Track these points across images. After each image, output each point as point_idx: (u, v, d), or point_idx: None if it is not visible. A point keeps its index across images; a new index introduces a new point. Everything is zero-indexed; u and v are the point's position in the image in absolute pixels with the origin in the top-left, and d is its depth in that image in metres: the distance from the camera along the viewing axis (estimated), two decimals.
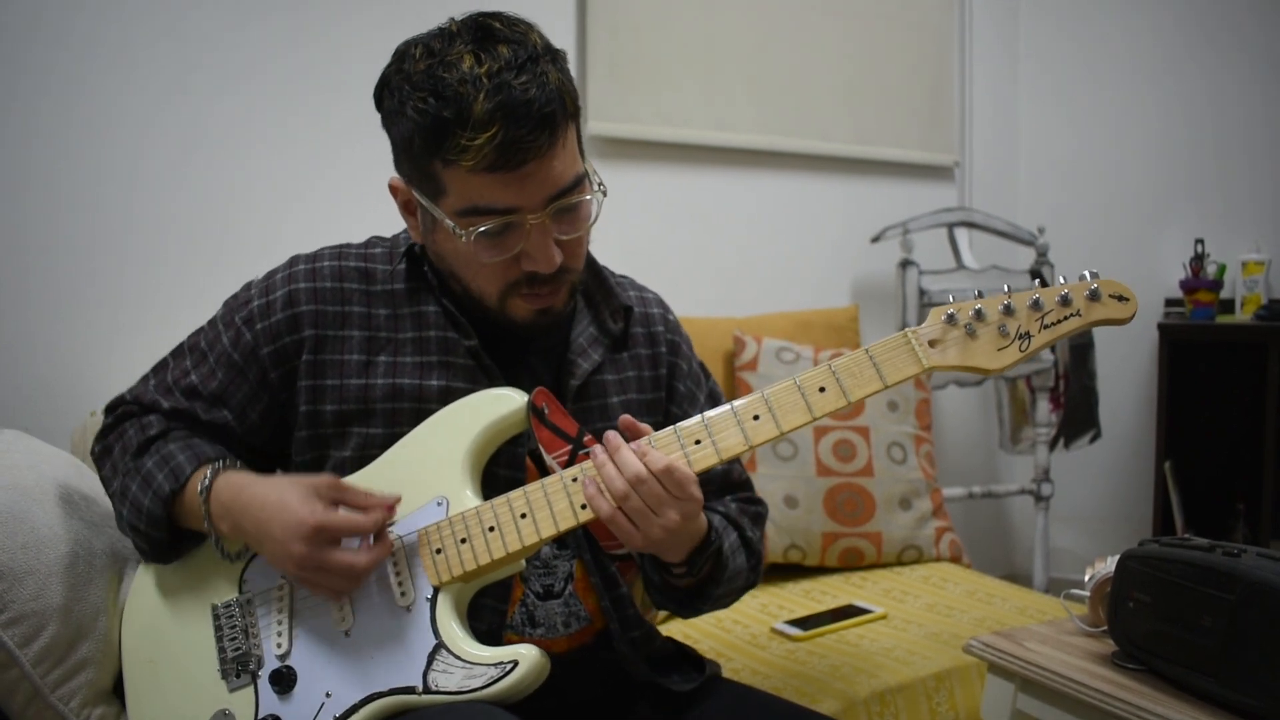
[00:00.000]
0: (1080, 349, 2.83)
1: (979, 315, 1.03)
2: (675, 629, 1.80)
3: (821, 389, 1.03)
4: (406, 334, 1.15)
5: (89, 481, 1.34)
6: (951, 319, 1.03)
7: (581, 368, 1.19)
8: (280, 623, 1.10)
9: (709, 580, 1.16)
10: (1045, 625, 1.35)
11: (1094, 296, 1.02)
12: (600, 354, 1.21)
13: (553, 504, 1.05)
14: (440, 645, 1.03)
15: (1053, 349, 2.76)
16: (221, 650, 1.11)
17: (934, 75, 3.02)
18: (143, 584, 1.19)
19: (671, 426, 1.05)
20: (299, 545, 1.02)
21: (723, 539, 1.16)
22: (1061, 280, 1.05)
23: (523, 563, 1.08)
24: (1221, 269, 2.83)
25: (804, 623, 1.85)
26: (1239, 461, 2.81)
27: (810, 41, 2.76)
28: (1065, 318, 1.02)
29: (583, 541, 1.17)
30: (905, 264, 2.71)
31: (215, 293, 1.28)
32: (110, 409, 1.23)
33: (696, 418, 1.05)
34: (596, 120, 2.40)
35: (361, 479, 1.12)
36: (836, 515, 2.20)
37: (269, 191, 2.05)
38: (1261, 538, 2.66)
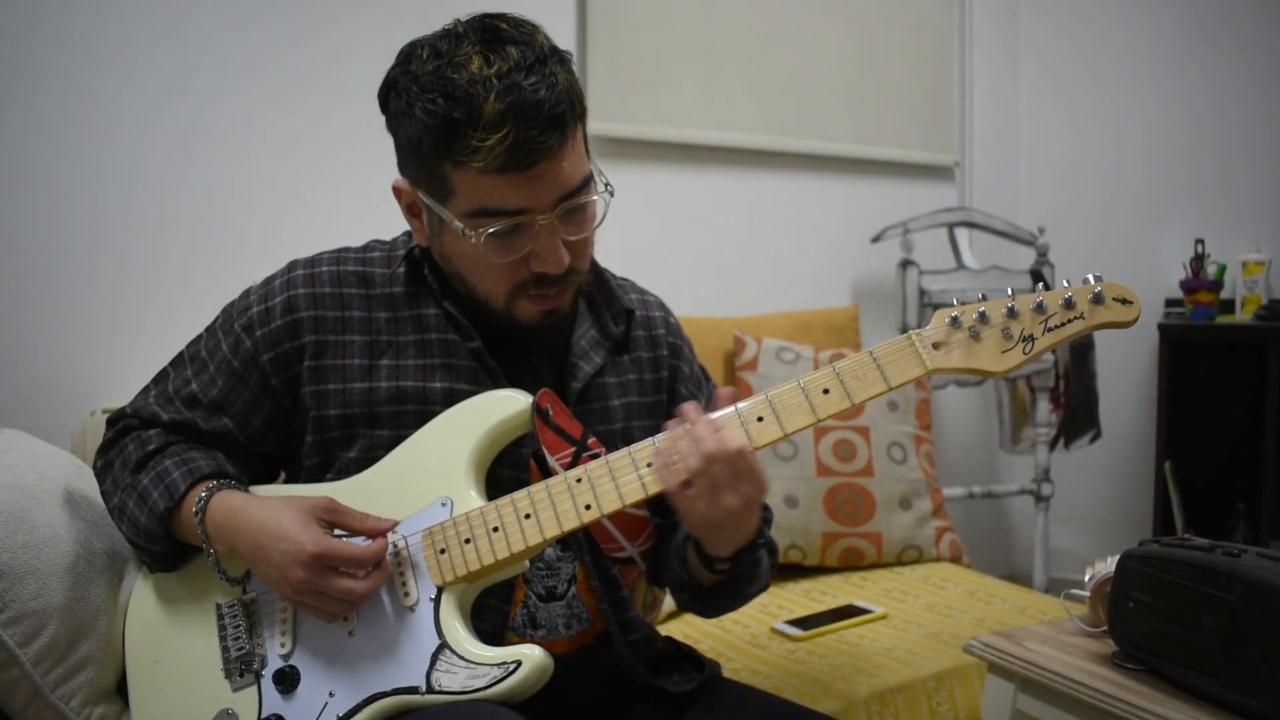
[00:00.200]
0: (1080, 349, 2.83)
1: (982, 318, 1.03)
2: (675, 629, 1.80)
3: (825, 391, 1.03)
4: (408, 337, 1.15)
5: (89, 481, 1.34)
6: (955, 322, 1.03)
7: (583, 370, 1.19)
8: (284, 622, 1.10)
9: (742, 578, 1.18)
10: (1045, 625, 1.35)
11: (1098, 300, 1.02)
12: (601, 357, 1.21)
13: (557, 505, 1.05)
14: (444, 645, 1.03)
15: (1053, 350, 2.76)
16: (225, 650, 1.11)
17: (934, 75, 3.02)
18: (146, 584, 1.19)
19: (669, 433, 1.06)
20: (298, 571, 1.02)
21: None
22: (1065, 283, 1.05)
23: (526, 563, 1.08)
24: (1222, 269, 2.83)
25: (804, 623, 1.85)
26: (1239, 461, 2.82)
27: (810, 41, 2.76)
28: (1069, 321, 1.03)
29: (584, 544, 1.17)
30: (905, 264, 2.71)
31: (215, 293, 1.28)
32: (112, 422, 1.22)
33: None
34: (597, 120, 2.40)
35: (367, 479, 1.12)
36: (837, 515, 2.20)
37: (269, 192, 2.05)
38: (1261, 538, 2.66)
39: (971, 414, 3.23)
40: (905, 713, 1.60)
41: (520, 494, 1.06)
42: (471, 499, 1.08)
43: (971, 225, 2.86)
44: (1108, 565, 1.26)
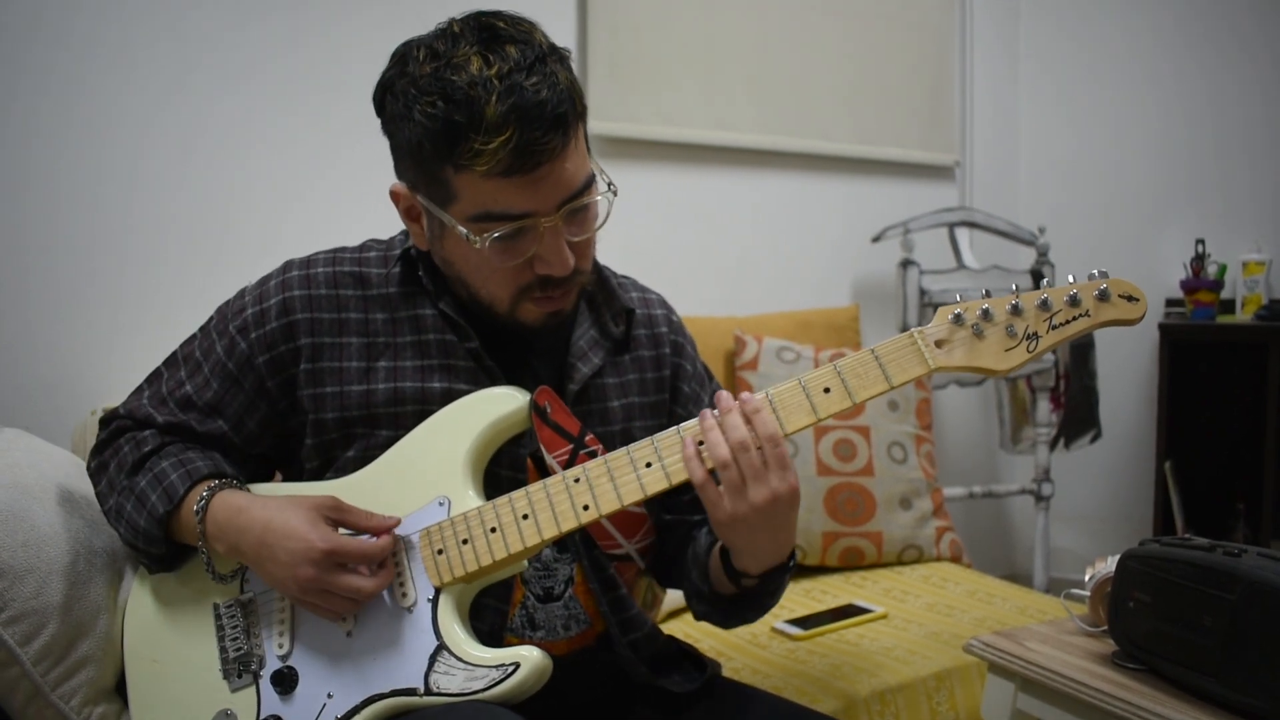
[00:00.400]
0: (1081, 349, 2.83)
1: (986, 315, 1.01)
2: (675, 628, 1.80)
3: (826, 390, 1.02)
4: (405, 338, 1.14)
5: (89, 480, 1.34)
6: (958, 319, 1.02)
7: (580, 372, 1.17)
8: (282, 623, 1.10)
9: (766, 592, 1.16)
10: (1046, 625, 1.35)
11: (1103, 296, 1.00)
12: (601, 357, 1.20)
13: (555, 505, 1.05)
14: (442, 646, 1.03)
15: (1055, 349, 2.76)
16: (223, 650, 1.11)
17: (934, 75, 3.02)
18: (143, 584, 1.19)
19: (675, 426, 1.05)
20: (307, 569, 1.01)
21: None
22: (1070, 278, 1.03)
23: (525, 563, 1.08)
24: (1222, 269, 2.83)
25: (804, 622, 1.85)
26: (1239, 461, 2.81)
27: (811, 41, 2.76)
28: (1074, 318, 1.01)
29: (581, 545, 1.16)
30: (906, 264, 2.71)
31: (215, 293, 1.28)
32: (105, 422, 1.21)
33: (693, 422, 1.04)
34: (597, 120, 2.40)
35: (364, 478, 1.12)
36: (837, 515, 2.20)
37: (269, 192, 2.05)
38: (1262, 538, 2.66)
39: (972, 414, 3.22)
40: (906, 712, 1.60)
41: (518, 494, 1.06)
42: (469, 498, 1.07)
43: (972, 225, 2.86)
44: (1108, 565, 1.26)
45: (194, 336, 1.20)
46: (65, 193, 1.84)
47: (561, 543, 1.15)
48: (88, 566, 1.21)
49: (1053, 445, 2.86)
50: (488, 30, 1.02)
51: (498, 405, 1.10)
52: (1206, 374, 2.86)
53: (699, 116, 2.58)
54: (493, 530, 1.05)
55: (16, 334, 1.80)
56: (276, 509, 1.05)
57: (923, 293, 2.71)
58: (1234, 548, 1.08)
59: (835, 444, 2.25)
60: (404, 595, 1.06)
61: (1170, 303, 2.97)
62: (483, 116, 0.97)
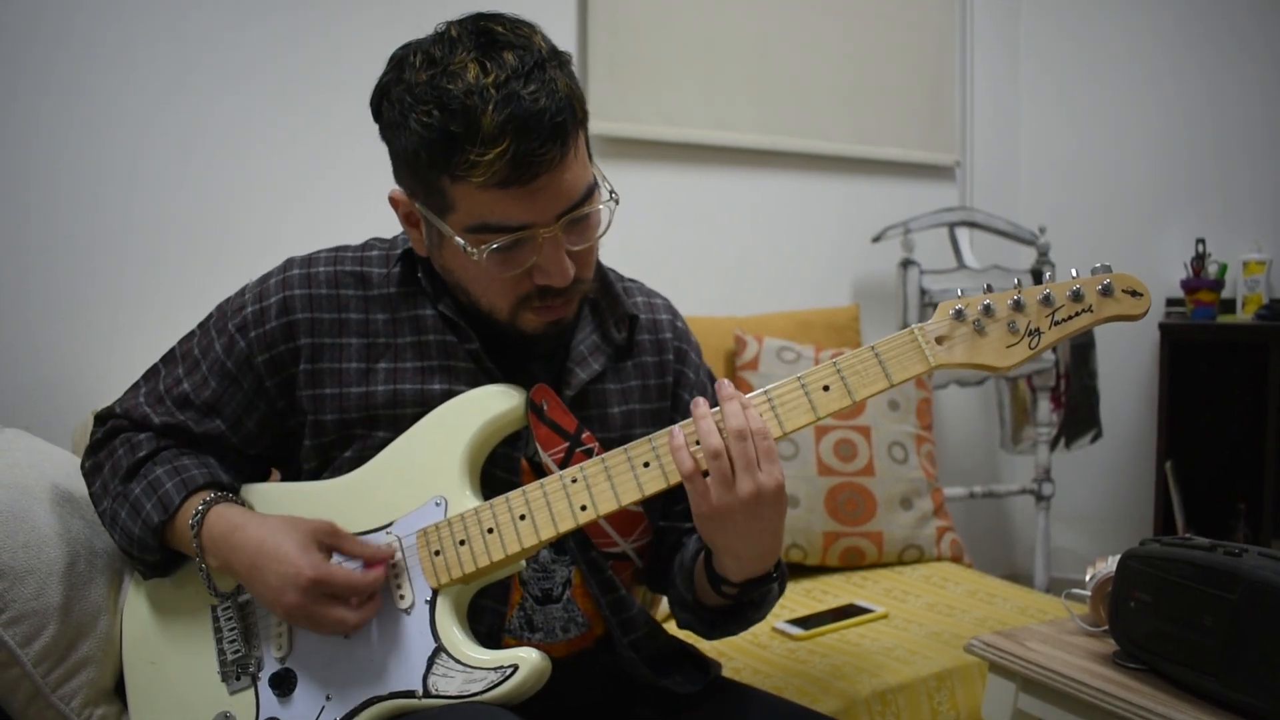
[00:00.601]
0: (1081, 348, 2.83)
1: (988, 311, 1.00)
2: (675, 628, 1.80)
3: (826, 388, 1.01)
4: (405, 339, 1.14)
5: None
6: (959, 315, 1.01)
7: (578, 377, 1.16)
8: (280, 625, 1.10)
9: (750, 604, 1.15)
10: (1046, 625, 1.35)
11: (1107, 292, 0.99)
12: (602, 363, 1.18)
13: (552, 505, 1.04)
14: (440, 649, 1.03)
15: (1054, 348, 2.77)
16: (221, 653, 1.11)
17: (934, 75, 3.02)
18: (141, 586, 1.19)
19: (672, 426, 1.05)
20: (293, 595, 1.00)
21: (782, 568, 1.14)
22: (1073, 273, 1.02)
23: (523, 564, 1.07)
24: (1223, 269, 2.83)
25: (805, 622, 1.85)
26: (1240, 461, 2.81)
27: (811, 41, 2.76)
28: (1077, 314, 0.99)
29: (577, 549, 1.15)
30: (906, 264, 2.71)
31: (215, 292, 1.28)
32: (100, 420, 1.20)
33: (689, 421, 1.03)
34: (597, 120, 2.39)
35: (360, 477, 1.11)
36: (837, 515, 2.20)
37: (269, 191, 2.04)
38: (1262, 537, 2.66)
39: (972, 413, 3.22)
40: (906, 712, 1.60)
41: (515, 494, 1.05)
42: (466, 499, 1.07)
43: (972, 225, 2.86)
44: (1109, 565, 1.26)
45: (193, 333, 1.19)
46: (65, 193, 1.84)
47: (558, 545, 1.14)
48: (88, 567, 1.21)
49: (1053, 445, 2.86)
50: (486, 35, 1.00)
51: (494, 402, 1.09)
52: (1207, 374, 2.86)
53: (699, 116, 2.58)
54: (490, 531, 1.05)
55: (16, 334, 1.80)
56: (271, 530, 1.04)
57: (923, 292, 2.71)
58: (1235, 547, 1.08)
59: (836, 444, 2.25)
60: (401, 597, 1.06)
61: (1171, 302, 2.97)
62: (479, 127, 0.95)
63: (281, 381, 1.13)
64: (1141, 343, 2.98)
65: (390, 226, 1.23)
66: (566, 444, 1.12)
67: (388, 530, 1.08)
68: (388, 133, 1.04)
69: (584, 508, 1.03)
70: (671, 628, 1.27)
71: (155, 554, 1.11)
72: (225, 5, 1.98)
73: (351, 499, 1.10)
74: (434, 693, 1.01)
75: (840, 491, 2.22)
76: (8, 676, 1.12)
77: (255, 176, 2.03)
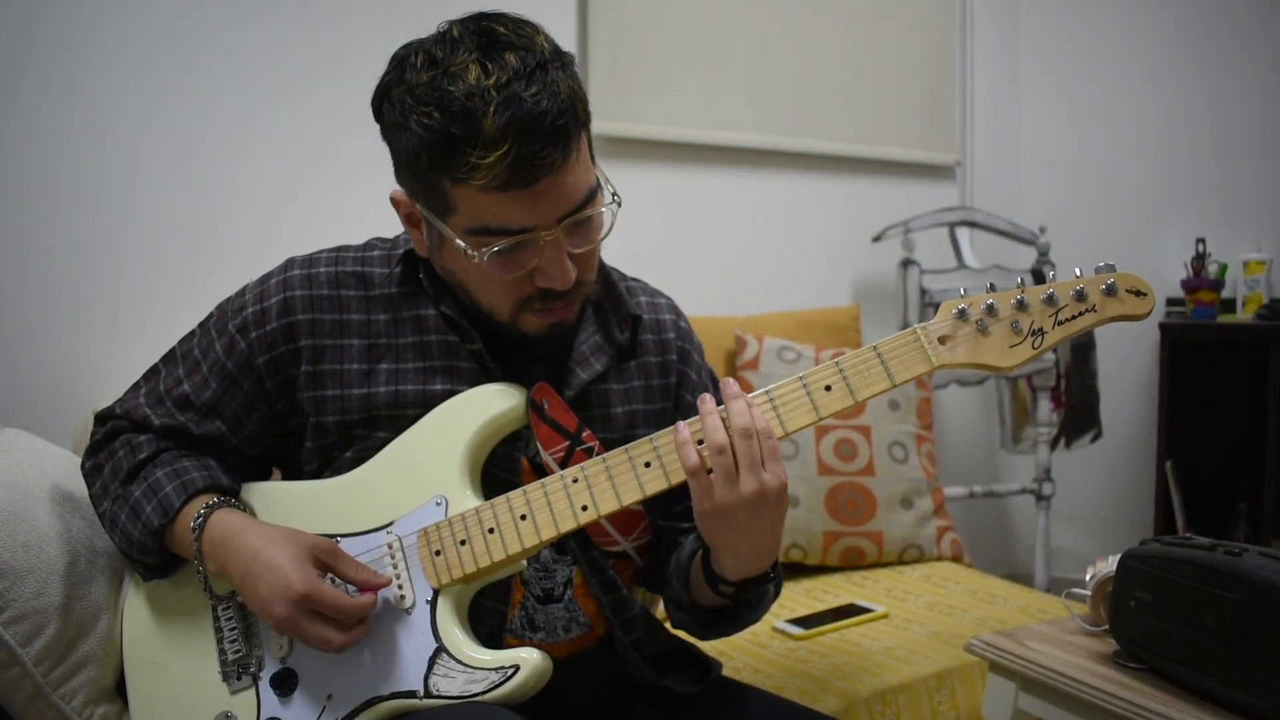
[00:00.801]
0: (1081, 348, 2.83)
1: (991, 310, 1.00)
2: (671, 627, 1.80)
3: (828, 387, 1.01)
4: (407, 339, 1.13)
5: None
6: (963, 314, 1.00)
7: (579, 377, 1.15)
8: None
9: (746, 605, 1.15)
10: (1047, 624, 1.35)
11: (1111, 291, 0.98)
12: (604, 363, 1.18)
13: (553, 505, 1.04)
14: (441, 649, 1.03)
15: (1055, 348, 2.77)
16: (222, 652, 1.11)
17: (935, 75, 3.02)
18: (141, 586, 1.19)
19: (678, 422, 1.04)
20: (282, 607, 1.00)
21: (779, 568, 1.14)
22: (1076, 272, 1.01)
23: (524, 563, 1.07)
24: (1223, 268, 2.83)
25: (805, 622, 1.85)
26: (1240, 461, 2.81)
27: (811, 41, 2.76)
28: (1080, 313, 0.99)
29: (578, 549, 1.15)
30: (906, 263, 2.71)
31: (215, 292, 1.28)
32: (101, 420, 1.20)
33: (696, 419, 1.03)
34: (597, 120, 2.38)
35: (361, 476, 1.11)
36: (838, 514, 2.20)
37: (269, 191, 2.04)
38: (1263, 537, 2.66)
39: (972, 413, 3.22)
40: (907, 712, 1.60)
41: (516, 494, 1.05)
42: (467, 498, 1.07)
43: (972, 225, 2.86)
44: (1109, 564, 1.26)
45: (193, 333, 1.19)
46: (65, 193, 1.84)
47: (559, 545, 1.14)
48: (88, 567, 1.21)
49: (1053, 445, 2.86)
50: (487, 36, 0.99)
51: (494, 402, 1.09)
52: (1207, 373, 2.86)
53: (699, 116, 2.58)
54: (490, 531, 1.05)
55: (16, 334, 1.80)
56: (269, 540, 1.04)
57: (923, 292, 2.71)
58: (1235, 547, 1.08)
59: (836, 444, 2.25)
60: (402, 597, 1.06)
61: (1171, 302, 2.97)
62: (480, 129, 0.94)
63: (282, 382, 1.13)
64: (1142, 342, 2.98)
65: (391, 226, 1.23)
66: (567, 443, 1.12)
67: (388, 530, 1.08)
68: (389, 133, 1.04)
69: (585, 507, 1.03)
70: (670, 626, 1.27)
71: (154, 557, 1.11)
72: (225, 5, 1.98)
73: (352, 498, 1.10)
74: (435, 693, 1.01)
75: (840, 491, 2.22)
76: (8, 676, 1.12)
77: (255, 176, 2.03)
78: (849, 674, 1.62)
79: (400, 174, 1.06)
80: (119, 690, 1.20)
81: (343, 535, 1.09)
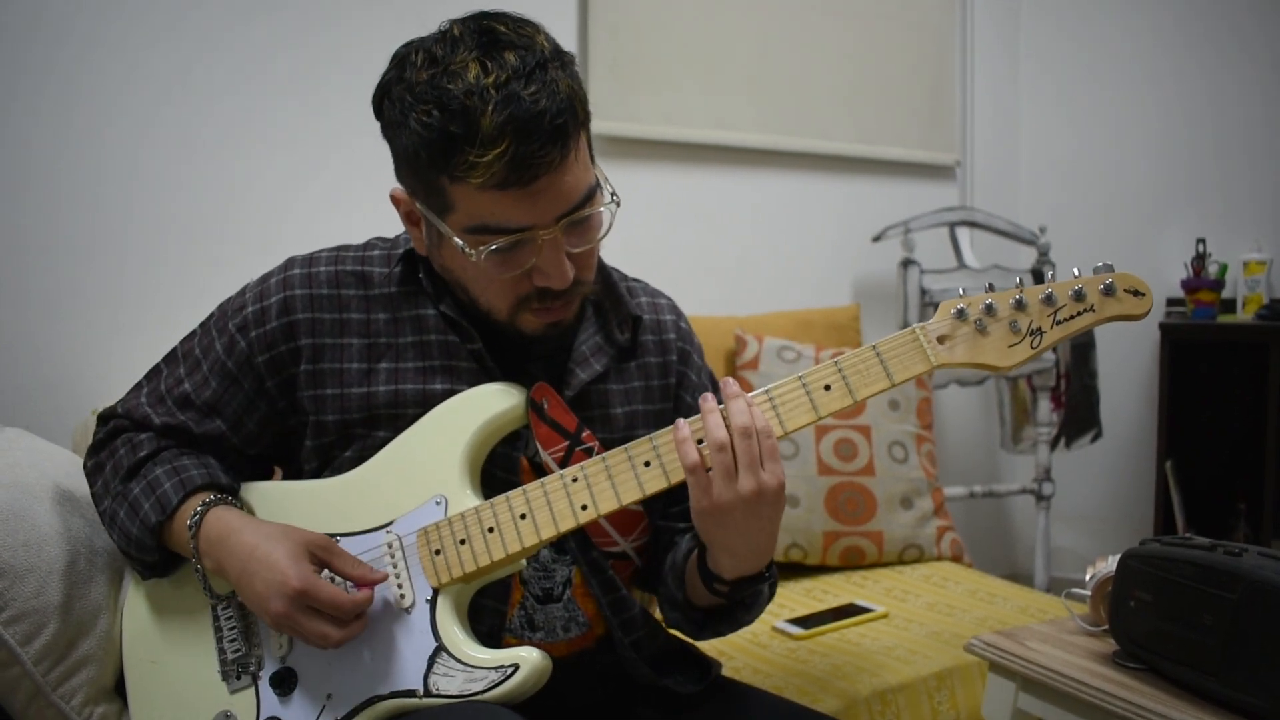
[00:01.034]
0: (1081, 348, 2.83)
1: (990, 310, 1.00)
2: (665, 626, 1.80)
3: (827, 387, 1.01)
4: (407, 338, 1.13)
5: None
6: (961, 314, 1.00)
7: (578, 378, 1.15)
8: None
9: (741, 605, 1.15)
10: (1046, 624, 1.35)
11: (1109, 291, 0.99)
12: (604, 363, 1.18)
13: (553, 505, 1.04)
14: (440, 648, 1.03)
15: (1055, 348, 2.77)
16: (221, 652, 1.11)
17: (935, 75, 3.02)
18: (141, 585, 1.19)
19: (678, 420, 1.04)
20: (278, 603, 1.00)
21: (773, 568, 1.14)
22: (1075, 271, 1.02)
23: (523, 562, 1.07)
24: (1223, 269, 2.83)
25: (805, 621, 1.85)
26: (1240, 461, 2.81)
27: (811, 41, 2.76)
28: (1079, 313, 0.99)
29: (578, 549, 1.15)
30: (906, 263, 2.71)
31: (215, 292, 1.28)
32: (103, 420, 1.20)
33: (696, 417, 1.03)
34: (597, 119, 2.38)
35: (361, 475, 1.11)
36: (838, 514, 2.20)
37: (269, 191, 2.05)
38: (1263, 537, 2.66)
39: (972, 413, 3.22)
40: (906, 712, 1.60)
41: (516, 494, 1.05)
42: (467, 498, 1.07)
43: (972, 225, 2.86)
44: (1109, 564, 1.26)
45: (194, 333, 1.19)
46: (65, 192, 1.84)
47: (559, 544, 1.14)
48: (88, 566, 1.21)
49: (1053, 445, 2.86)
50: (488, 35, 0.99)
51: (494, 401, 1.09)
52: (1207, 374, 2.86)
53: (699, 116, 2.58)
54: (490, 530, 1.05)
55: (16, 334, 1.80)
56: (264, 537, 1.04)
57: (923, 292, 2.71)
58: (1235, 547, 1.08)
59: (836, 443, 2.25)
60: (402, 596, 1.06)
61: (1171, 302, 2.97)
62: (478, 128, 0.94)
63: (282, 382, 1.13)
64: (1142, 343, 2.98)
65: (392, 225, 1.23)
66: (567, 443, 1.12)
67: (388, 529, 1.08)
68: (389, 131, 1.04)
69: (585, 507, 1.03)
70: None
71: (153, 554, 1.11)
72: (225, 5, 1.98)
73: (351, 498, 1.10)
74: (435, 692, 1.01)
75: (840, 491, 2.22)
76: (8, 675, 1.12)
77: (255, 175, 2.03)
78: (849, 674, 1.62)
79: (400, 172, 1.07)
80: (119, 689, 1.20)
81: (343, 534, 1.09)
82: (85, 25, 1.84)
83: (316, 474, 1.15)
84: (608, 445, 1.13)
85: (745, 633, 1.81)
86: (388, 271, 1.16)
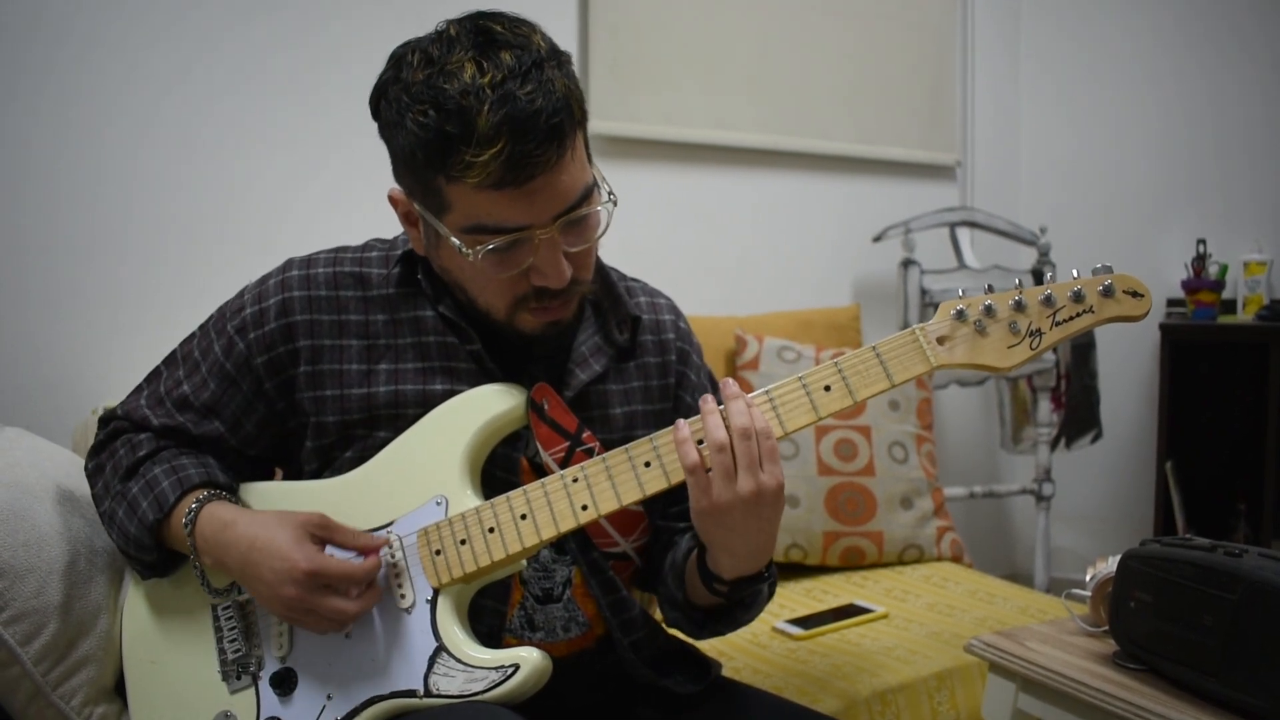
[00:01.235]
0: (1082, 348, 2.83)
1: (989, 311, 1.00)
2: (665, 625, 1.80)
3: (827, 388, 1.01)
4: (406, 339, 1.13)
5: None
6: (961, 315, 1.01)
7: (578, 378, 1.15)
8: (280, 624, 1.09)
9: (740, 604, 1.15)
10: (1046, 625, 1.35)
11: (1108, 292, 0.99)
12: (603, 364, 1.18)
13: (553, 505, 1.04)
14: (441, 648, 1.03)
15: (1054, 348, 2.77)
16: (221, 652, 1.11)
17: (935, 75, 3.02)
18: (141, 585, 1.19)
19: (678, 420, 1.04)
20: (290, 589, 1.00)
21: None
22: (1074, 273, 1.02)
23: (523, 563, 1.07)
24: (1223, 269, 2.83)
25: (805, 622, 1.85)
26: (1240, 461, 2.81)
27: (811, 41, 2.76)
28: (1078, 314, 0.99)
29: (578, 549, 1.15)
30: (907, 263, 2.71)
31: (214, 292, 1.28)
32: (103, 422, 1.21)
33: (696, 418, 1.03)
34: (598, 119, 2.40)
35: (361, 476, 1.11)
36: (838, 514, 2.20)
37: (268, 191, 2.05)
38: (1263, 538, 2.66)
39: (973, 413, 3.22)
40: (906, 712, 1.60)
41: (516, 494, 1.05)
42: (467, 498, 1.07)
43: (973, 225, 2.86)
44: (1109, 565, 1.26)
45: (193, 335, 1.19)
46: (65, 192, 1.84)
47: (559, 545, 1.14)
48: (88, 566, 1.21)
49: (1053, 445, 2.86)
50: (484, 35, 0.99)
51: (495, 402, 1.09)
52: (1207, 374, 2.86)
53: (699, 116, 2.58)
54: (491, 530, 1.05)
55: (16, 333, 1.80)
56: (262, 526, 1.04)
57: (924, 292, 2.71)
58: (1235, 548, 1.08)
59: (836, 444, 2.25)
60: (402, 596, 1.06)
61: (1171, 303, 2.97)
62: (474, 128, 0.94)
63: (280, 383, 1.13)
64: (1142, 343, 2.98)
65: (389, 227, 1.23)
66: (567, 443, 1.12)
67: (388, 529, 1.08)
68: (386, 132, 1.04)
69: (585, 507, 1.03)
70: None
71: (151, 553, 1.11)
72: (225, 5, 1.98)
73: (352, 498, 1.10)
74: (435, 692, 1.02)
75: (840, 491, 2.22)
76: (8, 675, 1.12)
77: (255, 175, 2.03)
78: (849, 674, 1.62)
79: (397, 172, 1.07)
80: (118, 690, 1.20)
81: (336, 553, 1.09)
82: (85, 25, 1.84)
83: (317, 475, 1.15)
84: (607, 446, 1.13)
85: (745, 633, 1.82)
86: (386, 273, 1.16)
